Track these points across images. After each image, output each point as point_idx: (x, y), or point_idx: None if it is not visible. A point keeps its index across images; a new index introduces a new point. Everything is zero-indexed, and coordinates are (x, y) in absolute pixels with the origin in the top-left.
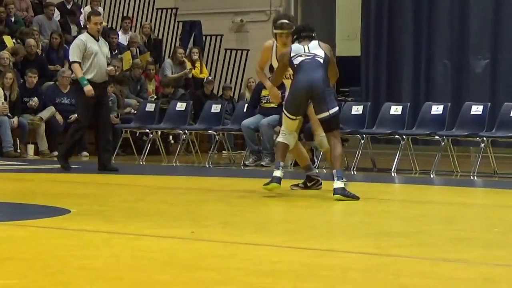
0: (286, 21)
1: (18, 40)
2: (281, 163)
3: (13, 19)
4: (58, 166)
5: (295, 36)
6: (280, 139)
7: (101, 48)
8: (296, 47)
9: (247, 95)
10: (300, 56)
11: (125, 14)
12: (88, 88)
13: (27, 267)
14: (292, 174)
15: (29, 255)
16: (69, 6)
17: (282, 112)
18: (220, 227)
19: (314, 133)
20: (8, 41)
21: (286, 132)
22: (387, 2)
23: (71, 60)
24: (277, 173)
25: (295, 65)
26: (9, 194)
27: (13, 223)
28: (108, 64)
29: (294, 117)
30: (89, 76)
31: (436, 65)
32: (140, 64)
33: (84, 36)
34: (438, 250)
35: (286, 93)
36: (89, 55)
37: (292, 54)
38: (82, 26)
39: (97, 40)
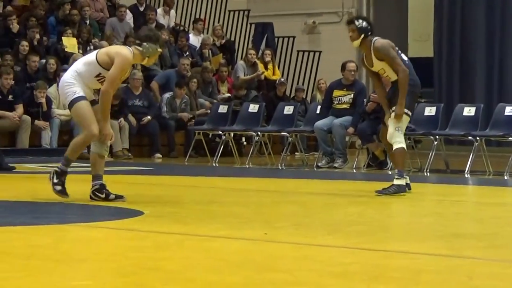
0: None
1: (92, 44)
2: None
3: (87, 22)
4: (132, 168)
5: (369, 27)
6: (400, 144)
7: None
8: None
9: (319, 96)
10: (400, 51)
11: (197, 16)
12: None
13: (100, 268)
14: (366, 175)
15: (103, 256)
16: (141, 8)
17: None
18: (292, 229)
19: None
20: (69, 42)
21: (403, 135)
22: (459, 2)
23: None
24: (403, 181)
25: (404, 61)
26: (82, 195)
27: (86, 225)
28: None
29: (411, 114)
30: None
31: (510, 65)
32: (210, 68)
33: None
34: (511, 252)
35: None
36: None
37: (396, 48)
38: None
39: None
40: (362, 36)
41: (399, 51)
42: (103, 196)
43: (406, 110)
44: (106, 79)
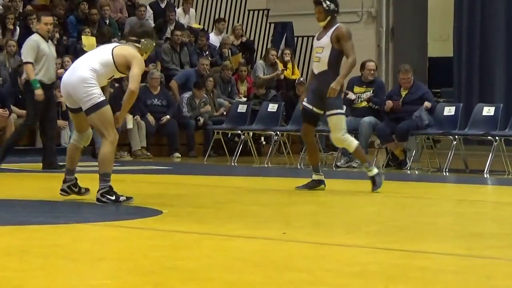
0: None
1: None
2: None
3: (107, 22)
4: (151, 167)
5: (336, 8)
6: (354, 143)
7: (50, 50)
8: None
9: None
10: None
11: (217, 16)
12: (39, 92)
13: (119, 267)
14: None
15: (121, 255)
16: (162, 5)
17: (338, 114)
18: (311, 228)
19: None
20: (88, 41)
21: (348, 133)
22: (479, 2)
23: (24, 61)
24: (376, 170)
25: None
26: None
27: (105, 224)
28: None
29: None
30: (40, 78)
31: None
32: (229, 66)
33: (36, 37)
34: None
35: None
36: (41, 57)
37: None
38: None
39: (47, 41)
40: (329, 17)
41: None
42: (77, 190)
43: (341, 111)
44: (131, 79)
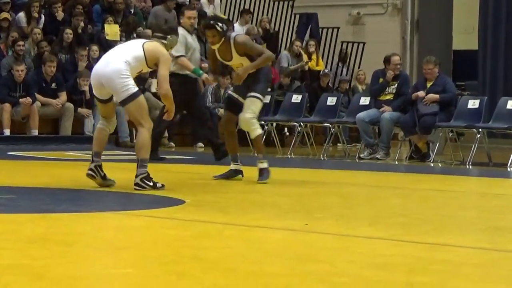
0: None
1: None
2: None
3: (132, 11)
4: (174, 156)
5: (228, 27)
6: (259, 130)
7: (195, 42)
8: None
9: (360, 88)
10: None
11: (241, 7)
12: (206, 76)
13: (142, 256)
14: (408, 167)
15: (144, 244)
16: None
17: (256, 97)
18: (334, 220)
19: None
20: (111, 29)
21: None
22: None
23: (176, 55)
24: (267, 164)
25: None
26: (124, 183)
27: (128, 213)
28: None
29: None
30: (186, 71)
31: None
32: None
33: (182, 31)
34: None
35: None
36: (188, 50)
37: None
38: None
39: (191, 34)
40: (223, 38)
41: None
42: (103, 174)
43: (260, 96)
44: (161, 81)
